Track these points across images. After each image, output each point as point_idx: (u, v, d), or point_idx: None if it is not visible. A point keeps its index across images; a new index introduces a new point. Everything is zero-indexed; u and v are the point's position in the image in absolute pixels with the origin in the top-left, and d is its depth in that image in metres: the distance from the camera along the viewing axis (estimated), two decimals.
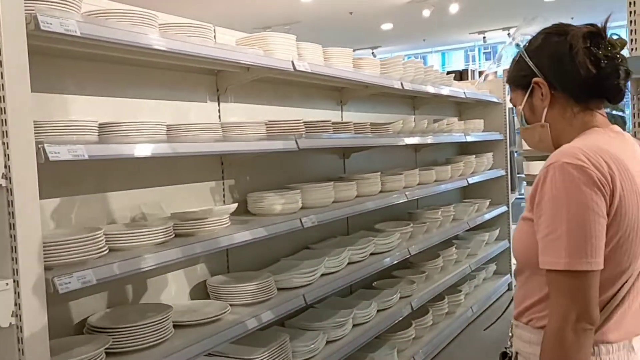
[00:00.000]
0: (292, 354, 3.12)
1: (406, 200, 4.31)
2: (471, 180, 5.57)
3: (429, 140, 4.77)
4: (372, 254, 4.01)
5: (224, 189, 3.31)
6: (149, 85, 2.88)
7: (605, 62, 1.55)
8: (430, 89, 4.61)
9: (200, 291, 3.07)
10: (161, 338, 2.40)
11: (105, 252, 2.20)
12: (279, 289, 3.13)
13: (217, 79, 3.28)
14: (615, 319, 1.51)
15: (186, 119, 3.06)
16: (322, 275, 3.43)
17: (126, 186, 2.72)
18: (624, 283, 1.51)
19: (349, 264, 3.74)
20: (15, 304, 1.80)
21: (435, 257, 5.04)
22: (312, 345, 3.26)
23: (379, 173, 4.24)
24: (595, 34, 1.58)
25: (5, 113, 1.79)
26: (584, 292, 1.42)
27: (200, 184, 3.14)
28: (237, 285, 2.93)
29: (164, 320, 2.44)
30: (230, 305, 2.85)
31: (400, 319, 4.13)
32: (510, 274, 6.54)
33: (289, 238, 3.79)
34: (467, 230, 5.68)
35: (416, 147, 5.55)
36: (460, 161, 5.60)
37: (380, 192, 4.23)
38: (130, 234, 2.35)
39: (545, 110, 1.64)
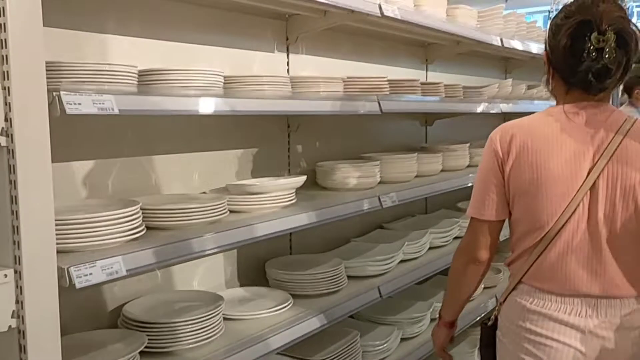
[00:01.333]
0: (361, 354, 2.64)
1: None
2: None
3: (524, 106, 4.09)
4: (456, 238, 3.44)
5: (289, 157, 2.80)
6: (206, 28, 2.38)
7: (584, 54, 1.60)
8: (534, 48, 3.90)
9: (257, 275, 2.61)
10: (208, 337, 1.95)
11: (141, 232, 1.74)
12: (349, 277, 2.63)
13: (288, 25, 2.74)
14: (537, 268, 1.72)
15: (248, 71, 2.55)
16: (401, 262, 2.91)
17: (171, 149, 2.25)
18: (542, 237, 1.70)
19: (430, 249, 3.20)
20: (17, 302, 1.37)
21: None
22: (385, 345, 2.76)
23: (467, 144, 3.62)
24: (587, 25, 1.60)
25: (6, 47, 1.33)
26: (476, 236, 1.84)
27: (262, 149, 2.64)
28: (302, 273, 2.45)
29: (212, 315, 1.99)
30: (292, 295, 2.38)
31: (484, 314, 3.56)
32: None
33: (361, 215, 3.28)
34: None
35: (505, 116, 4.86)
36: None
37: (468, 166, 3.62)
38: (175, 211, 1.89)
39: (551, 82, 1.78)
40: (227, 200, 2.08)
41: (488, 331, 1.91)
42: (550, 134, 1.69)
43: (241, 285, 2.55)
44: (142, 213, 1.79)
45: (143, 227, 1.77)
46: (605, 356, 1.67)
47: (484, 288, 3.71)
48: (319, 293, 2.42)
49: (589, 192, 1.65)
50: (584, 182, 1.64)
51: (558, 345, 1.68)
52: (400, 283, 2.72)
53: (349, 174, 2.67)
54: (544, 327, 1.70)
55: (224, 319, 2.12)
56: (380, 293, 2.58)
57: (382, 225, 3.41)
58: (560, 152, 1.67)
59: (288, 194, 2.26)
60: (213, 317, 1.98)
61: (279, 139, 2.74)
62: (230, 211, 2.12)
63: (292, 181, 2.27)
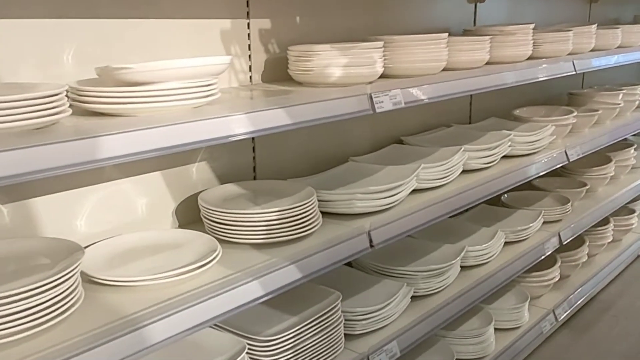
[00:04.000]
0: (344, 324, 1.80)
1: (568, 73, 2.59)
2: None
3: None
4: (506, 157, 2.46)
5: (249, 37, 1.87)
6: None
7: None
8: None
9: (190, 212, 1.78)
10: (40, 322, 1.16)
11: None
12: (331, 215, 1.77)
13: None
14: None
15: None
16: (415, 191, 1.99)
17: None
18: None
19: (464, 172, 2.25)
20: None
21: (604, 161, 3.33)
22: (385, 310, 1.90)
23: (531, 25, 2.53)
24: None
25: None
26: None
27: (201, 21, 1.73)
28: (235, 213, 1.58)
29: (48, 285, 1.18)
30: (227, 243, 1.55)
31: (542, 258, 2.62)
32: None
33: (373, 126, 2.34)
34: None
35: None
36: None
37: (530, 57, 2.56)
38: None
39: None
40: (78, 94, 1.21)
41: None
42: None
43: (180, 227, 1.75)
44: None
45: None
46: None
47: (543, 223, 2.75)
48: (265, 241, 1.57)
49: None
50: None
51: None
52: (407, 225, 1.81)
53: (332, 61, 1.72)
54: None
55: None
56: (370, 241, 1.70)
57: (402, 139, 2.46)
58: None
59: (205, 86, 1.36)
60: (49, 287, 1.17)
61: (230, 7, 1.81)
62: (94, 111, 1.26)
63: (209, 63, 1.35)
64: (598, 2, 3.66)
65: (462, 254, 2.23)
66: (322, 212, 1.77)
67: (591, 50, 3.00)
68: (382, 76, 1.95)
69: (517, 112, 2.88)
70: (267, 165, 1.96)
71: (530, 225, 2.60)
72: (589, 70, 2.71)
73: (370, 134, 2.36)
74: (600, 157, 3.31)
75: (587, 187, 3.08)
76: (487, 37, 2.30)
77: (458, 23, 2.71)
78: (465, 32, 2.56)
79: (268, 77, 1.93)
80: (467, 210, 2.74)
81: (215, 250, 1.45)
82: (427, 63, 1.99)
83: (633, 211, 3.62)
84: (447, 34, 2.07)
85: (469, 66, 2.24)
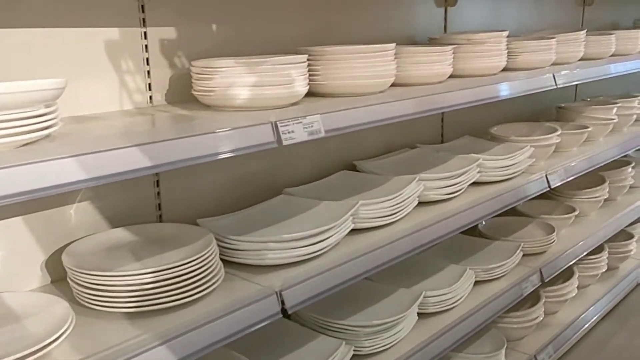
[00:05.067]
0: None
1: (554, 86, 2.24)
2: None
3: None
4: (477, 184, 2.11)
5: (146, 49, 1.54)
6: None
7: None
8: None
9: None
10: None
11: None
12: (234, 267, 1.43)
13: None
14: None
15: None
16: (356, 231, 1.65)
17: None
18: None
19: (421, 204, 1.89)
20: None
21: (596, 182, 2.96)
22: None
23: (504, 33, 2.17)
24: None
25: None
26: None
27: (80, 31, 1.40)
28: (113, 275, 1.24)
29: None
30: (98, 310, 1.22)
31: (519, 299, 2.26)
32: None
33: (318, 153, 2.00)
34: None
35: None
36: None
37: (504, 69, 2.21)
38: None
39: None
40: None
41: None
42: None
43: (53, 283, 1.42)
44: None
45: None
46: None
47: (523, 255, 2.39)
48: (138, 310, 1.23)
49: None
50: None
51: None
52: (334, 280, 1.46)
53: (236, 79, 1.38)
54: None
55: None
56: (282, 304, 1.35)
57: (355, 165, 2.12)
58: None
59: (31, 117, 1.03)
60: None
61: (124, 12, 1.47)
62: None
63: (28, 88, 1.01)
64: (593, 4, 3.29)
65: (418, 301, 1.88)
66: (230, 262, 1.43)
67: (581, 59, 2.65)
68: (314, 95, 1.62)
69: (494, 130, 2.52)
70: (176, 202, 1.63)
71: (505, 262, 2.24)
72: (572, 83, 2.35)
73: (317, 157, 2.02)
74: (593, 177, 2.94)
75: (575, 213, 2.71)
76: (450, 48, 1.96)
77: (426, 30, 2.36)
78: (431, 41, 2.21)
79: (175, 97, 1.59)
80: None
81: (62, 327, 1.12)
82: (369, 79, 1.65)
83: (631, 235, 3.24)
84: (394, 44, 1.73)
85: (427, 81, 1.90)
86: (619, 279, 3.14)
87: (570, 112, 2.87)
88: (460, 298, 2.05)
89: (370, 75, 1.64)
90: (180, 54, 1.58)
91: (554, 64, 2.40)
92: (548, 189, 2.28)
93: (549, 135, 2.41)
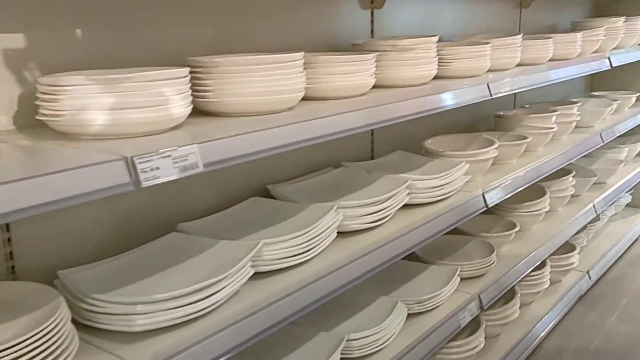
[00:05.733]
0: None
1: (480, 99, 2.03)
2: (617, 59, 3.09)
3: None
4: (409, 206, 1.87)
5: None
6: None
7: None
8: None
9: None
10: None
11: None
12: (93, 334, 1.13)
13: None
14: None
15: None
16: (259, 275, 1.37)
17: None
18: None
19: (342, 234, 1.64)
20: None
21: (538, 194, 2.78)
22: None
23: (434, 38, 1.95)
24: None
25: None
26: None
27: None
28: None
29: None
30: None
31: (456, 331, 2.04)
32: None
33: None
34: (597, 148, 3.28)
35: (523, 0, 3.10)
36: (599, 26, 3.10)
37: (436, 77, 1.98)
38: None
39: None
40: None
41: None
42: None
43: None
44: None
45: None
46: None
47: (462, 280, 2.18)
48: None
49: None
50: None
51: None
52: (223, 346, 1.19)
53: (89, 101, 1.08)
54: None
55: None
56: None
57: (268, 190, 1.84)
58: None
59: None
60: None
61: None
62: None
63: None
64: (529, 7, 3.13)
65: (339, 348, 1.62)
66: (91, 328, 1.14)
67: (518, 65, 2.47)
68: (208, 114, 1.34)
69: (428, 143, 2.29)
70: (34, 249, 1.31)
71: (441, 291, 2.02)
72: (509, 93, 2.15)
73: (221, 181, 1.73)
74: (533, 188, 2.76)
75: (515, 229, 2.52)
76: (372, 56, 1.71)
77: (350, 35, 2.11)
78: (354, 48, 1.97)
79: (27, 121, 1.28)
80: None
81: None
82: (272, 96, 1.38)
83: (573, 247, 3.09)
84: (302, 53, 1.46)
85: (346, 94, 1.65)
86: (562, 293, 2.99)
87: (509, 121, 2.68)
88: (390, 337, 1.81)
89: (273, 91, 1.38)
90: (32, 66, 1.27)
91: (489, 70, 2.20)
92: (485, 208, 2.07)
93: (486, 149, 2.21)
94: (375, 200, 1.69)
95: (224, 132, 1.19)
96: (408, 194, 1.86)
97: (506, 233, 2.49)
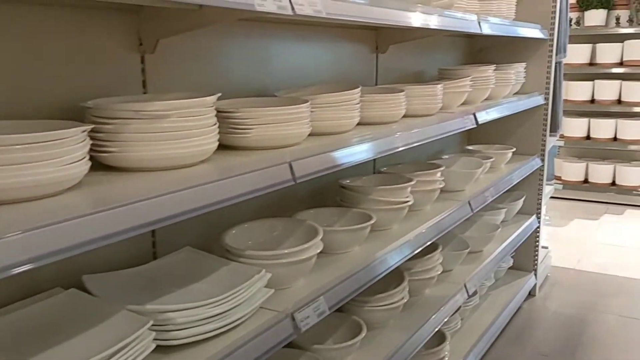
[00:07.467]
0: None
1: (292, 181, 1.44)
2: (483, 115, 2.65)
3: (418, 22, 1.88)
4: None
5: None
6: None
7: None
8: None
9: None
10: None
11: None
12: None
13: None
14: None
15: None
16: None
17: None
18: None
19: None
20: None
21: (395, 281, 2.23)
22: None
23: (211, 98, 1.34)
24: None
25: None
26: None
27: None
28: None
29: None
30: None
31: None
32: (536, 274, 3.76)
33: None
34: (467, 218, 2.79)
35: (379, 43, 2.60)
36: (466, 75, 2.66)
37: (225, 148, 1.37)
38: None
39: None
40: None
41: None
42: None
43: None
44: None
45: None
46: None
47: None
48: None
49: None
50: None
51: None
52: None
53: None
54: None
55: None
56: None
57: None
58: None
59: None
60: None
61: None
62: None
63: None
64: (386, 52, 2.63)
65: None
66: None
67: (360, 124, 1.94)
68: None
69: (226, 240, 1.65)
70: None
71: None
72: (375, 155, 1.58)
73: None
74: (393, 274, 2.20)
75: (360, 336, 1.93)
76: (114, 121, 1.07)
77: (120, 88, 1.47)
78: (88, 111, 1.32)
79: None
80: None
81: None
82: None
83: (444, 338, 2.57)
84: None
85: (38, 194, 0.99)
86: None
87: (355, 195, 2.11)
88: None
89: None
90: None
91: (312, 134, 1.63)
92: (295, 336, 1.46)
93: (303, 247, 1.60)
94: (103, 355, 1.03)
95: None
96: (169, 330, 1.21)
97: (348, 343, 1.89)
